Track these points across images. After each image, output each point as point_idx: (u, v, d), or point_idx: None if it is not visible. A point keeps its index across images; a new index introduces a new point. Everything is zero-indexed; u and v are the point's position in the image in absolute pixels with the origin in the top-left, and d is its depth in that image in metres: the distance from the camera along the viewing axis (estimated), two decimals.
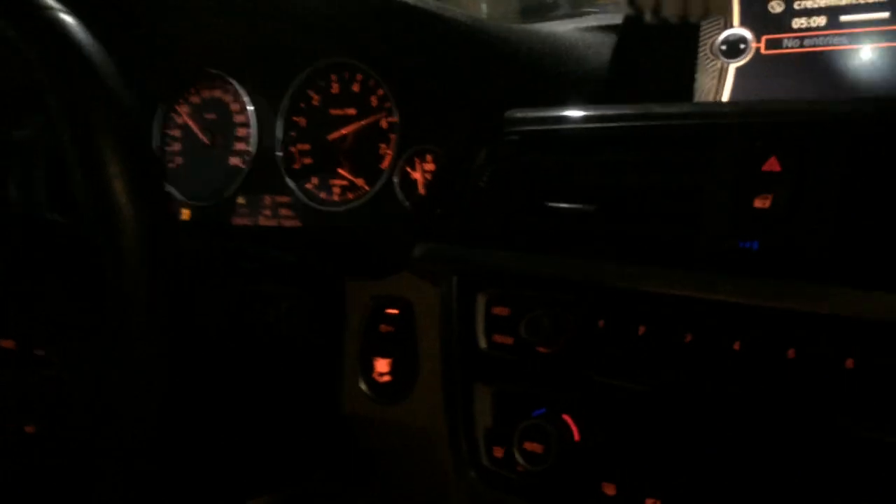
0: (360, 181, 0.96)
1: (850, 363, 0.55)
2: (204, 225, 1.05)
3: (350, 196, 0.96)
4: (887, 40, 0.71)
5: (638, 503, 0.64)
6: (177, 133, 1.10)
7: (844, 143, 0.58)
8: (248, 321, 0.92)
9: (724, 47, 0.78)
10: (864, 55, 0.72)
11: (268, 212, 1.02)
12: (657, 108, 0.69)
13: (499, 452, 0.72)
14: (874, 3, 0.72)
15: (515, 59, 0.91)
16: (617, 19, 0.90)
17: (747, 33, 0.77)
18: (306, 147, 1.00)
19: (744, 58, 0.77)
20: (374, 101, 0.95)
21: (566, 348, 0.68)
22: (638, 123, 0.69)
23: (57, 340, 0.72)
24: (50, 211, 1.13)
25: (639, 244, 0.65)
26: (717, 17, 0.78)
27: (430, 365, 0.80)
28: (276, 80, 1.01)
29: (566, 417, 0.68)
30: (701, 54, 0.79)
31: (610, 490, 0.66)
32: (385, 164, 0.93)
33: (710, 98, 0.78)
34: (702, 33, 0.79)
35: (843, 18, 0.73)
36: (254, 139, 1.03)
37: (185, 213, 1.08)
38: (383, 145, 0.94)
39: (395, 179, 0.92)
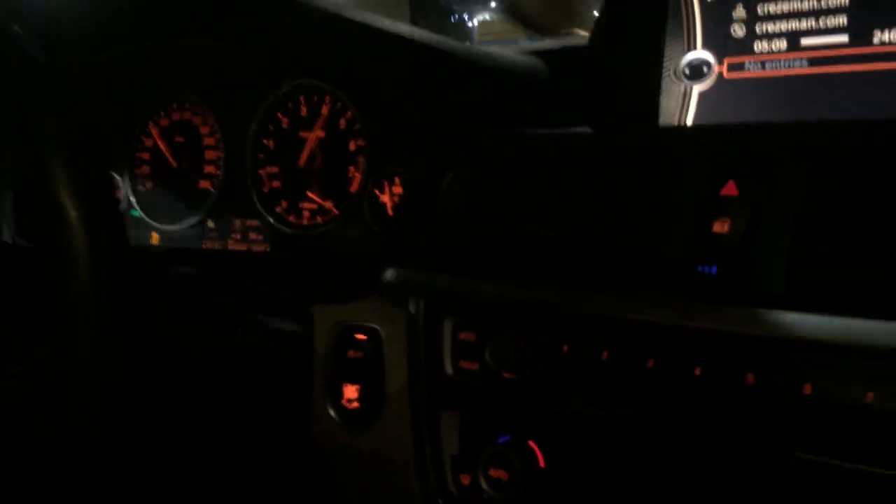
0: (328, 204, 0.95)
1: (807, 389, 0.55)
2: (172, 249, 1.04)
3: (319, 220, 0.96)
4: (847, 64, 0.72)
5: None
6: (146, 156, 1.09)
7: (801, 169, 0.58)
8: (216, 346, 0.91)
9: (687, 70, 0.78)
10: (826, 79, 0.72)
11: (237, 235, 1.01)
12: (620, 132, 0.69)
13: (465, 479, 0.72)
14: (834, 28, 0.72)
15: (485, 81, 0.91)
16: (584, 41, 0.90)
17: (710, 56, 0.77)
18: (275, 170, 0.99)
19: (707, 81, 0.77)
20: (342, 123, 0.95)
21: (531, 374, 0.68)
22: (600, 147, 0.69)
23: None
24: (18, 235, 1.12)
25: (601, 269, 0.65)
26: (679, 39, 0.78)
27: (398, 391, 0.79)
28: (244, 103, 1.00)
29: (532, 444, 0.67)
30: (665, 77, 0.79)
31: None
32: (354, 187, 0.93)
33: (675, 121, 0.78)
34: (665, 56, 0.79)
35: (804, 42, 0.73)
36: (223, 162, 1.02)
37: (154, 237, 1.07)
38: (352, 168, 0.93)
39: (364, 203, 0.91)
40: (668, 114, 0.79)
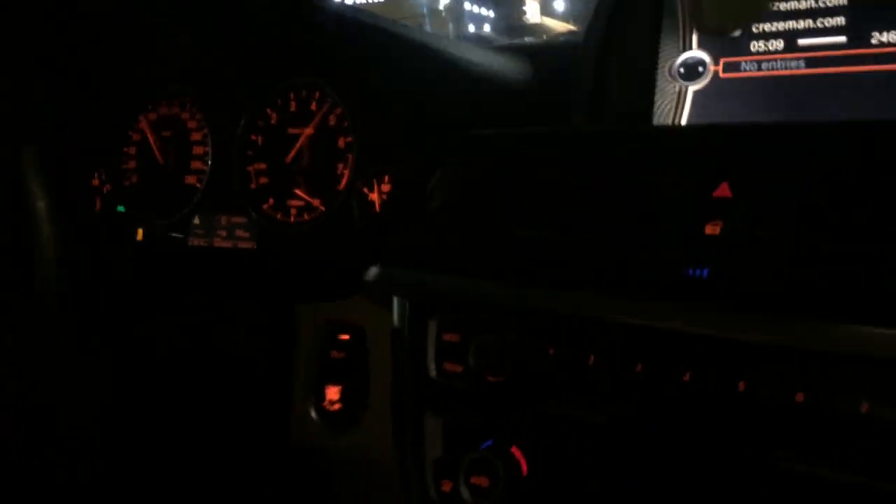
0: (316, 202, 0.93)
1: (800, 397, 0.53)
2: (158, 245, 1.02)
3: (306, 217, 0.94)
4: (844, 65, 0.70)
5: None
6: (132, 151, 1.07)
7: (797, 171, 0.57)
8: (199, 344, 0.89)
9: (682, 70, 0.77)
10: (822, 80, 0.71)
11: (223, 232, 0.99)
12: (611, 130, 0.67)
13: (447, 486, 0.70)
14: (831, 28, 0.71)
15: (476, 78, 0.90)
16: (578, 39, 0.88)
17: (705, 56, 0.76)
18: (263, 167, 0.98)
19: (702, 81, 0.76)
20: (332, 119, 0.93)
21: (516, 377, 0.66)
22: (591, 145, 0.67)
23: None
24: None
25: (590, 271, 0.63)
26: (674, 39, 0.77)
27: (381, 392, 0.77)
28: (233, 98, 0.98)
29: (514, 450, 0.65)
30: (659, 76, 0.78)
31: None
32: (342, 184, 0.91)
33: (668, 121, 0.77)
34: (660, 55, 0.78)
35: (801, 42, 0.72)
36: (210, 158, 1.00)
37: (139, 233, 1.05)
38: (340, 165, 0.92)
39: (352, 200, 0.89)
40: (662, 113, 0.77)
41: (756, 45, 0.74)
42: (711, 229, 0.58)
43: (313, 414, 0.82)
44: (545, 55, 0.89)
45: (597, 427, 0.62)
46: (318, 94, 0.94)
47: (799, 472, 0.53)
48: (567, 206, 0.66)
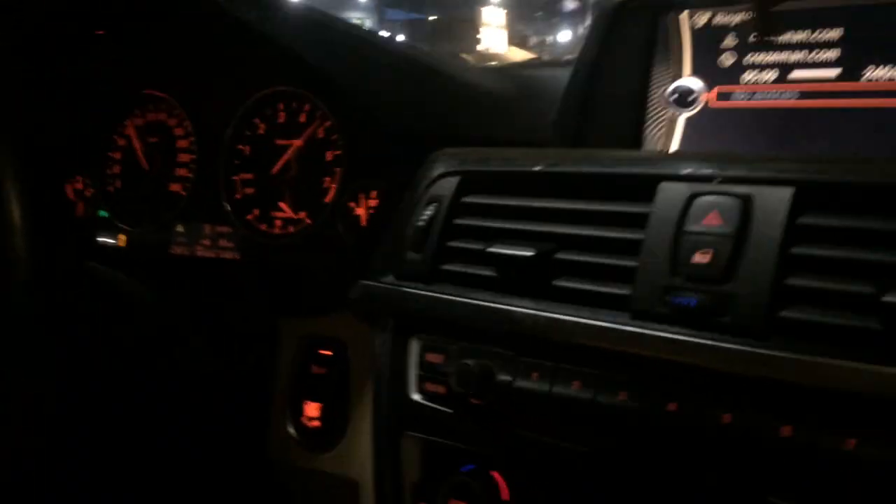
0: (302, 214, 0.92)
1: (785, 431, 0.52)
2: (139, 252, 1.01)
3: (291, 229, 0.93)
4: (836, 99, 0.70)
5: None
6: (117, 156, 1.06)
7: (789, 201, 0.56)
8: (177, 355, 0.88)
9: (674, 97, 0.77)
10: (813, 113, 0.71)
11: (207, 241, 0.98)
12: (599, 155, 0.67)
13: None
14: (824, 62, 0.71)
15: (468, 96, 0.90)
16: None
17: (697, 84, 0.76)
18: (249, 177, 0.97)
19: (694, 109, 0.76)
20: (320, 132, 0.92)
21: (499, 401, 0.65)
22: (578, 170, 0.67)
23: None
24: None
25: (577, 295, 0.63)
26: (667, 66, 0.77)
27: (362, 411, 0.76)
28: (221, 106, 0.97)
29: (495, 474, 0.65)
30: (651, 103, 0.78)
31: None
32: (328, 197, 0.90)
33: (659, 147, 0.77)
34: (652, 82, 0.78)
35: (793, 75, 0.72)
36: (195, 166, 0.99)
37: (122, 239, 1.03)
38: (328, 178, 0.91)
39: (339, 214, 0.89)
40: (651, 140, 0.77)
41: (748, 76, 0.74)
42: (700, 258, 0.57)
43: (291, 429, 0.81)
44: (538, 76, 0.89)
45: (581, 455, 0.61)
46: (308, 106, 0.93)
47: None
48: (555, 228, 0.65)
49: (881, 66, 0.68)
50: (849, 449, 0.50)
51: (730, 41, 0.75)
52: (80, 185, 1.07)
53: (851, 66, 0.69)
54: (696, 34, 0.77)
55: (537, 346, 0.64)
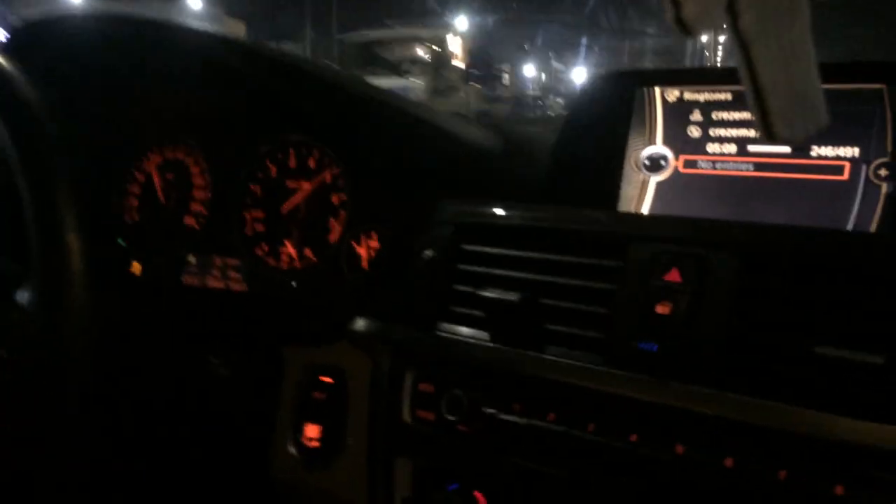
0: (308, 251, 1.01)
1: (729, 462, 0.61)
2: (153, 281, 1.08)
3: (298, 265, 1.01)
4: (788, 172, 0.80)
5: None
6: (136, 189, 1.14)
7: (739, 263, 0.66)
8: (185, 381, 0.95)
9: (647, 162, 0.86)
10: (769, 182, 0.81)
11: (217, 272, 1.06)
12: (580, 214, 0.76)
13: None
14: None
15: (466, 153, 0.99)
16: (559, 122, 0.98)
17: (668, 152, 0.86)
18: (260, 214, 1.05)
19: (664, 173, 0.85)
20: (328, 177, 1.01)
21: (483, 428, 0.73)
22: (562, 226, 0.76)
23: None
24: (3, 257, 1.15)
25: (555, 336, 0.72)
26: (641, 134, 0.87)
27: (358, 435, 0.84)
28: (237, 149, 1.06)
29: (478, 494, 0.72)
30: (626, 166, 0.87)
31: None
32: (333, 237, 0.99)
33: (632, 207, 0.86)
34: (629, 146, 0.88)
35: (751, 148, 0.82)
36: (210, 202, 1.07)
37: (136, 267, 1.11)
38: (333, 220, 0.99)
39: (342, 253, 0.97)
40: (626, 200, 0.87)
41: (712, 147, 0.84)
42: (662, 309, 0.66)
43: (292, 449, 0.88)
44: (523, 133, 0.99)
45: (553, 479, 0.69)
46: (317, 152, 1.02)
47: None
48: (536, 278, 0.74)
49: (824, 146, 0.78)
50: (781, 479, 0.59)
51: (697, 115, 0.85)
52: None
53: (802, 144, 0.79)
54: (668, 107, 0.86)
55: (519, 382, 0.72)
